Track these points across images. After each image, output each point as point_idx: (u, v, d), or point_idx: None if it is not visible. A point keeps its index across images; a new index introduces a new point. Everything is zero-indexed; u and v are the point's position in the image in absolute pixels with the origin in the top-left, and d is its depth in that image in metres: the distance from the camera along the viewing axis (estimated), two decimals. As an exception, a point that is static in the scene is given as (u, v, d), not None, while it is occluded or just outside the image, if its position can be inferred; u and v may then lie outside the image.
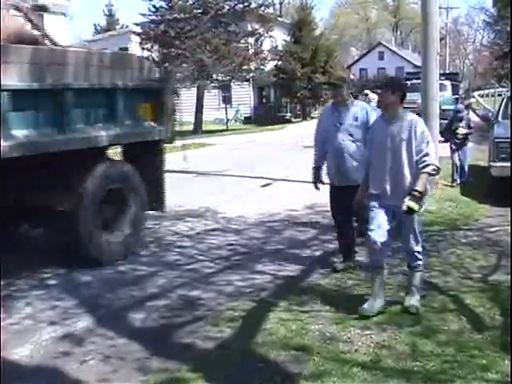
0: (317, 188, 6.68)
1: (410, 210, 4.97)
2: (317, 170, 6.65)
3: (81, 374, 4.19)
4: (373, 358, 4.27)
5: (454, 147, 12.41)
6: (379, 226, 5.16)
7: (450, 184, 12.10)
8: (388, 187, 5.22)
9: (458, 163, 12.27)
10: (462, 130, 12.24)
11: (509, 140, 10.03)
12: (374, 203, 5.28)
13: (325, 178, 6.68)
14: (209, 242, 7.89)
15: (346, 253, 6.61)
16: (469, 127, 12.42)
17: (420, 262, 5.35)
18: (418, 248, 5.30)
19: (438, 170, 5.41)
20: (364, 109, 6.52)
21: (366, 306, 5.10)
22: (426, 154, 5.05)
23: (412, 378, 3.95)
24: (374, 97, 12.49)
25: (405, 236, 5.32)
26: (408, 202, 4.94)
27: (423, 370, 4.06)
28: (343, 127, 6.35)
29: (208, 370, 4.16)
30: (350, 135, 6.32)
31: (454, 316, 5.06)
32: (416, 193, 4.98)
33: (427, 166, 5.05)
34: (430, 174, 5.19)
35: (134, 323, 5.20)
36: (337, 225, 6.77)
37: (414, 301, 5.20)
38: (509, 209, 8.88)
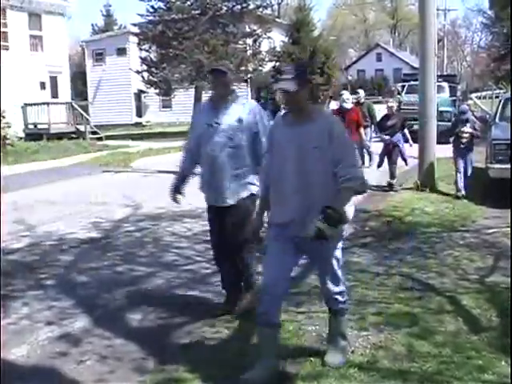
0: (176, 201, 5.33)
1: (321, 235, 3.65)
2: (179, 181, 5.25)
3: (78, 374, 4.19)
4: (369, 358, 4.28)
5: (457, 152, 11.07)
6: (274, 285, 3.90)
7: (455, 194, 10.86)
8: (293, 213, 3.90)
9: (462, 171, 10.98)
10: (467, 129, 10.75)
11: (506, 142, 10.05)
12: (273, 241, 4.00)
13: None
14: (206, 243, 7.88)
15: (234, 295, 5.29)
16: (474, 130, 10.98)
17: (343, 306, 4.29)
18: (339, 289, 4.19)
19: (365, 186, 4.32)
20: (252, 107, 5.06)
21: (247, 375, 3.93)
22: (349, 165, 3.82)
23: (409, 379, 3.95)
24: (348, 96, 12.52)
25: (320, 275, 4.25)
26: (319, 224, 3.62)
27: (420, 370, 4.07)
28: (220, 129, 4.87)
29: (205, 370, 4.15)
30: (230, 139, 4.86)
31: (450, 317, 5.06)
32: (331, 211, 3.67)
33: (350, 179, 3.78)
34: (355, 192, 3.92)
35: (131, 324, 5.20)
36: (217, 262, 5.39)
37: (337, 357, 4.18)
38: (506, 210, 8.90)
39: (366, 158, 14.26)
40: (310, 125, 3.91)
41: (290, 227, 3.91)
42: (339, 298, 4.23)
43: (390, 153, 12.10)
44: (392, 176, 11.97)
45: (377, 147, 13.28)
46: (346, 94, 12.74)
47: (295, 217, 3.88)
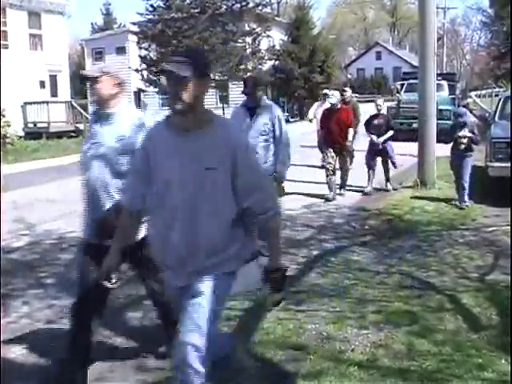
0: None
1: (277, 304, 3.13)
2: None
3: (78, 372, 4.19)
4: (369, 357, 4.28)
5: (455, 158, 10.01)
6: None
7: (457, 204, 9.83)
8: (173, 255, 2.95)
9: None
10: (464, 133, 9.71)
11: (506, 140, 10.05)
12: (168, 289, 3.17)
13: None
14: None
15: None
16: (473, 133, 9.86)
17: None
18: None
19: (279, 220, 3.09)
20: (141, 121, 3.74)
21: None
22: (267, 197, 2.91)
23: (409, 378, 3.95)
24: (333, 92, 12.07)
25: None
26: (269, 298, 3.03)
27: (420, 369, 4.07)
28: (100, 152, 3.72)
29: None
30: (109, 165, 3.69)
31: (450, 315, 5.07)
32: (275, 274, 2.99)
33: (274, 217, 2.93)
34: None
35: (132, 322, 5.20)
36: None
37: None
38: (506, 209, 8.90)
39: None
40: (203, 135, 2.79)
41: (177, 273, 2.98)
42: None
43: (377, 155, 11.58)
44: (386, 178, 11.69)
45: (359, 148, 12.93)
46: (332, 93, 12.15)
47: (175, 261, 2.95)
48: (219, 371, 4.11)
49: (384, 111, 13.03)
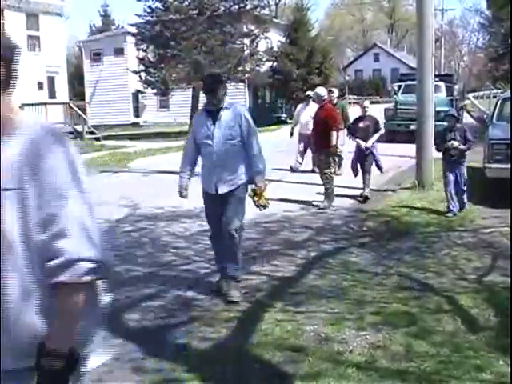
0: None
1: None
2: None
3: (76, 374, 4.18)
4: (368, 358, 4.28)
5: (447, 166, 9.39)
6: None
7: (445, 212, 9.27)
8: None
9: (452, 186, 9.24)
10: (455, 144, 9.09)
11: (504, 142, 10.06)
12: None
13: None
14: (204, 243, 7.86)
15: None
16: (465, 140, 9.16)
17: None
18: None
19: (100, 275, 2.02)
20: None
21: None
22: (79, 238, 1.88)
23: (407, 379, 3.96)
24: (323, 91, 10.90)
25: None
26: None
27: (418, 370, 4.07)
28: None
29: (203, 370, 4.16)
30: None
31: (448, 317, 5.07)
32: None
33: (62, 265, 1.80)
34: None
35: (130, 324, 5.19)
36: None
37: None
38: (504, 210, 8.91)
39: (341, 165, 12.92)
40: None
41: None
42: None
43: (364, 160, 10.79)
44: (366, 187, 10.66)
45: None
46: (318, 89, 11.18)
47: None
48: (219, 371, 4.12)
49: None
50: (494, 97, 27.38)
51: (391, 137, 19.06)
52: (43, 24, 28.97)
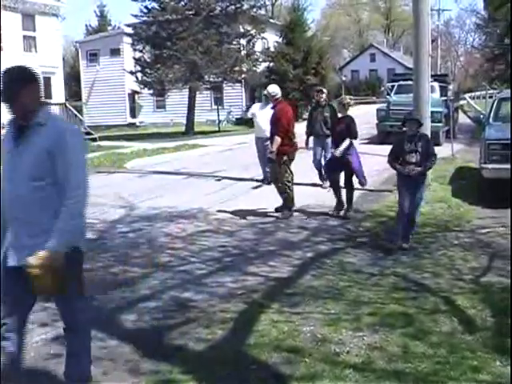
0: None
1: None
2: None
3: (72, 376, 4.16)
4: (364, 359, 4.28)
5: (402, 182, 7.47)
6: None
7: (392, 246, 7.34)
8: None
9: (406, 211, 7.30)
10: (413, 160, 7.29)
11: (501, 142, 10.07)
12: None
13: None
14: (201, 244, 7.88)
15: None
16: (427, 153, 7.34)
17: None
18: None
19: None
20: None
21: None
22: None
23: (404, 380, 3.95)
24: (272, 90, 9.87)
25: None
26: None
27: (415, 371, 4.07)
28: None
29: (200, 371, 4.15)
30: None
31: (445, 317, 5.07)
32: None
33: None
34: None
35: (126, 325, 5.18)
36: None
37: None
38: (500, 210, 8.92)
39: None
40: None
41: None
42: None
43: (341, 169, 9.22)
44: (349, 207, 9.21)
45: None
46: (270, 87, 10.15)
47: None
48: (215, 372, 4.11)
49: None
50: (490, 97, 27.44)
51: (384, 138, 18.87)
52: (39, 24, 28.89)
